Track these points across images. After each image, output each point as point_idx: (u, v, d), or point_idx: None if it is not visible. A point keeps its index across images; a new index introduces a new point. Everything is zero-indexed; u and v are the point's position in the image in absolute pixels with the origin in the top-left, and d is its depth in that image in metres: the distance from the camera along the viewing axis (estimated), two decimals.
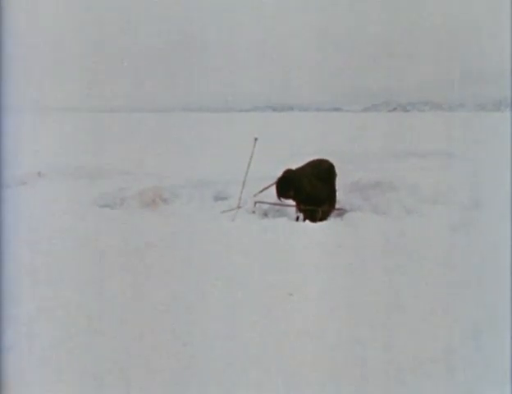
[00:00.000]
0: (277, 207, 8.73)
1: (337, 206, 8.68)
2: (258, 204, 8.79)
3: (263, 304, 4.91)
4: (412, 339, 4.26)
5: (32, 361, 3.99)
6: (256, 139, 9.07)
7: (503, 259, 5.49)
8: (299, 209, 8.45)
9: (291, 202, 8.46)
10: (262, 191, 8.80)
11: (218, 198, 9.61)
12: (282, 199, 8.34)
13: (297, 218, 8.41)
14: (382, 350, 4.10)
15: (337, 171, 8.69)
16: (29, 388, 3.78)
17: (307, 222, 8.14)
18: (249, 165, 8.95)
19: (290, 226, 7.75)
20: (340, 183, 8.76)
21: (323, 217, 8.31)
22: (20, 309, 4.74)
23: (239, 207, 8.70)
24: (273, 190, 8.44)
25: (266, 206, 8.81)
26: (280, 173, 8.38)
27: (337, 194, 8.71)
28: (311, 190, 8.31)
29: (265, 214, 8.79)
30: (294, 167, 8.51)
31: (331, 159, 8.78)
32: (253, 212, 8.76)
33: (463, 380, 3.77)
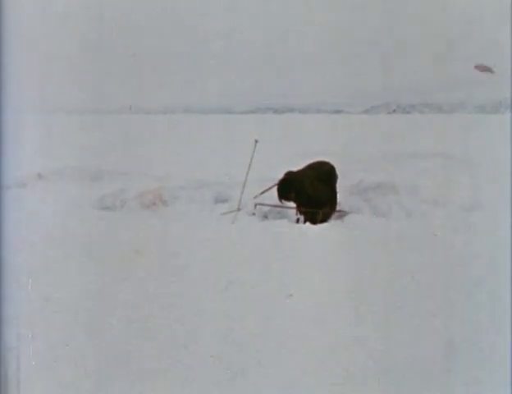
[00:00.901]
0: (278, 209, 8.72)
1: (338, 208, 8.67)
2: (258, 206, 8.78)
3: (264, 305, 4.91)
4: (412, 339, 4.26)
5: (32, 362, 3.99)
6: (256, 141, 9.06)
7: (503, 259, 5.49)
8: (300, 211, 8.44)
9: (292, 204, 8.45)
10: (262, 193, 8.79)
11: (218, 200, 9.61)
12: (283, 201, 8.33)
13: (297, 220, 8.40)
14: (382, 350, 4.10)
15: (338, 173, 8.68)
16: (29, 388, 3.78)
17: (307, 224, 8.13)
18: (249, 167, 8.95)
19: (291, 228, 7.74)
20: (340, 185, 8.75)
21: (324, 220, 8.30)
22: (20, 309, 4.74)
23: (239, 209, 8.69)
24: (273, 191, 8.44)
25: (266, 208, 8.80)
26: (280, 175, 8.38)
27: (338, 196, 8.71)
28: (312, 192, 8.31)
29: (265, 216, 8.78)
30: (294, 168, 8.50)
31: (332, 161, 8.77)
32: (254, 214, 8.75)
33: (463, 380, 3.77)
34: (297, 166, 8.61)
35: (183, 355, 4.10)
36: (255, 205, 8.78)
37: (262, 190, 8.82)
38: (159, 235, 7.37)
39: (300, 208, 8.41)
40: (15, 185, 9.90)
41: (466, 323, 4.45)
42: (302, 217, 8.40)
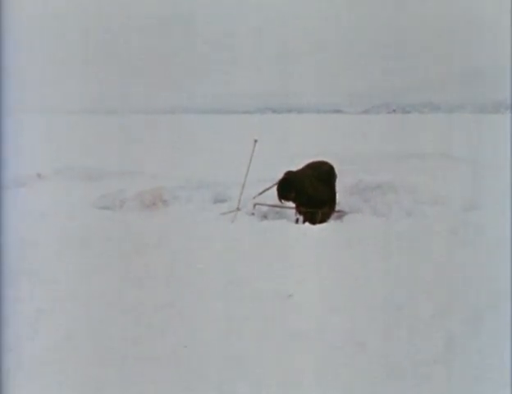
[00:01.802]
0: (277, 209, 8.72)
1: (337, 208, 8.66)
2: (257, 206, 8.78)
3: (263, 305, 4.91)
4: (412, 339, 4.26)
5: (32, 362, 3.99)
6: (256, 141, 9.06)
7: (503, 260, 5.49)
8: (299, 211, 8.43)
9: (291, 204, 8.45)
10: (262, 193, 8.80)
11: (218, 200, 9.62)
12: (283, 201, 8.33)
13: (297, 220, 8.39)
14: (382, 351, 4.10)
15: (337, 172, 8.67)
16: (29, 388, 3.78)
17: (306, 224, 8.13)
18: (248, 167, 8.95)
19: (290, 228, 7.74)
20: (340, 185, 8.75)
21: (323, 219, 8.29)
22: (20, 309, 4.74)
23: (238, 209, 8.69)
24: (273, 191, 8.43)
25: (265, 208, 8.80)
26: (280, 175, 8.37)
27: (337, 195, 8.70)
28: (312, 191, 8.30)
29: (264, 216, 8.78)
30: (293, 168, 8.50)
31: (331, 161, 8.76)
32: (253, 214, 8.75)
33: (463, 380, 3.77)
34: (296, 166, 8.60)
35: (183, 355, 4.10)
36: (254, 205, 8.78)
37: (261, 190, 8.82)
38: (159, 235, 7.37)
39: (300, 208, 8.40)
40: (15, 185, 9.92)
41: (466, 323, 4.45)
42: (301, 217, 8.39)
